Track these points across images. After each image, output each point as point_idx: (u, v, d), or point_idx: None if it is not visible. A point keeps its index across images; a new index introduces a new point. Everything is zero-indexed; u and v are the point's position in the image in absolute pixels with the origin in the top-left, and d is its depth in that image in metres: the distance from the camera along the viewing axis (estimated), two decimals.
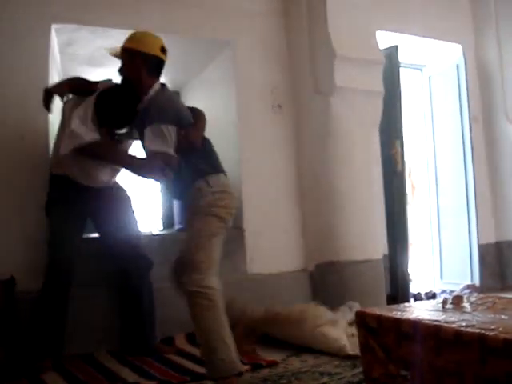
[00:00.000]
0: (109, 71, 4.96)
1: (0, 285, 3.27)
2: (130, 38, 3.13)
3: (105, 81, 3.43)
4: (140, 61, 3.03)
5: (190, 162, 2.93)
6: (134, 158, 3.12)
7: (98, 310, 3.67)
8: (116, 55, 3.19)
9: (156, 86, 3.04)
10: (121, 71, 3.18)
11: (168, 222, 5.14)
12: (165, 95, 3.05)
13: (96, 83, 3.42)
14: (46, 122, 3.85)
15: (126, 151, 3.45)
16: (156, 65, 3.10)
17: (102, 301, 3.73)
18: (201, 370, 3.12)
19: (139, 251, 3.60)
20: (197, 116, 3.14)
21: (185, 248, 2.86)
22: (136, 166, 3.00)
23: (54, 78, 4.25)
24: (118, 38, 4.30)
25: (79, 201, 3.40)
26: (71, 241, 3.40)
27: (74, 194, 3.38)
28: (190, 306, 2.80)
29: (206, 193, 2.89)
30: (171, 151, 2.83)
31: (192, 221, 2.90)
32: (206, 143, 3.10)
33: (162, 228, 5.20)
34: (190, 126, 3.00)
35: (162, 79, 4.95)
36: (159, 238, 4.35)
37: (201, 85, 5.33)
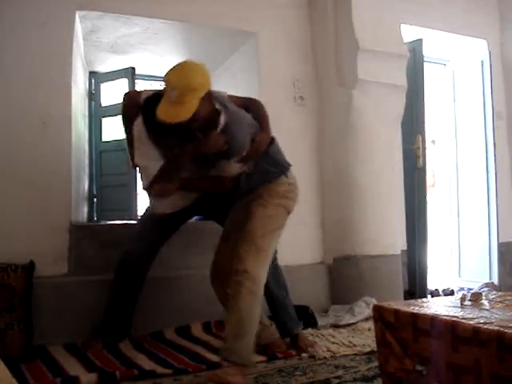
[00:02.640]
0: (132, 58, 5.00)
1: (20, 269, 3.30)
2: (193, 83, 2.61)
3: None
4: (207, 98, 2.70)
5: (267, 156, 2.94)
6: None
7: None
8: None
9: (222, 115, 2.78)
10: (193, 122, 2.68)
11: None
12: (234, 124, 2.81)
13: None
14: (68, 108, 3.87)
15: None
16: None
17: None
18: (217, 358, 3.14)
19: None
20: (257, 114, 3.01)
21: (249, 228, 2.84)
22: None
23: (78, 64, 4.28)
24: (141, 25, 4.36)
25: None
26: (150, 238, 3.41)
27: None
28: (237, 288, 2.75)
29: (283, 181, 2.96)
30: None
31: (264, 202, 2.91)
32: (274, 140, 3.07)
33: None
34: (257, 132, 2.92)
35: None
36: None
37: (224, 75, 5.32)
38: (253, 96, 4.56)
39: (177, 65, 2.69)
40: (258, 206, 2.90)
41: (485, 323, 1.94)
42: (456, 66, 5.95)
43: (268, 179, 2.94)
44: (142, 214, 3.64)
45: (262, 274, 2.81)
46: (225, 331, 2.82)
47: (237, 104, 2.95)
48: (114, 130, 5.14)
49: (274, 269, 3.32)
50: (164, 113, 2.55)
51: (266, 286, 3.30)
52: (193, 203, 3.16)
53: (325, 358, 3.15)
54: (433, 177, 6.66)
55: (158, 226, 3.31)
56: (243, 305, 2.73)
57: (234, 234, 3.04)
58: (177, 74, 2.63)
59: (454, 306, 2.31)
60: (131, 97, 3.04)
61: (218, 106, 2.76)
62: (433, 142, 6.57)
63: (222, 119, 2.74)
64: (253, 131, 2.88)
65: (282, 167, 3.00)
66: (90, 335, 3.42)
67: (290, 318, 3.43)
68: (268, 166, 2.93)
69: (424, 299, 3.05)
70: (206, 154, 2.80)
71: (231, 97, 3.02)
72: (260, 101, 3.12)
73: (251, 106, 3.02)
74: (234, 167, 2.87)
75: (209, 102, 2.68)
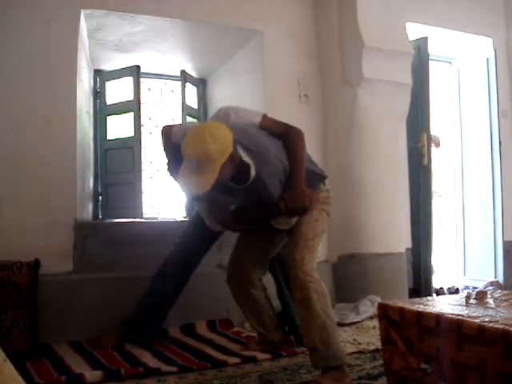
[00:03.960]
0: (136, 56, 5.00)
1: (25, 267, 3.31)
2: (216, 148, 2.48)
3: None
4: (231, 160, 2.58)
5: (306, 170, 2.88)
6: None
7: (118, 294, 3.70)
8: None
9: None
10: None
11: (192, 209, 5.14)
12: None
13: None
14: (73, 106, 3.87)
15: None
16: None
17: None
18: (221, 356, 3.15)
19: None
20: (291, 149, 2.79)
21: (300, 233, 2.85)
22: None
23: (83, 63, 4.28)
24: (146, 23, 4.36)
25: None
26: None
27: None
28: (306, 293, 2.72)
29: (322, 189, 2.99)
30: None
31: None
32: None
33: (185, 215, 5.21)
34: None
35: (188, 67, 4.99)
36: (182, 225, 4.36)
37: (228, 73, 5.32)
38: (258, 94, 4.58)
39: (193, 133, 2.57)
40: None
41: (490, 322, 1.94)
42: (461, 64, 5.94)
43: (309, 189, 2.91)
44: (190, 217, 3.71)
45: (317, 274, 2.83)
46: (309, 340, 2.72)
47: (273, 130, 2.83)
48: (118, 128, 5.15)
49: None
50: (184, 182, 2.54)
51: (280, 285, 3.33)
52: None
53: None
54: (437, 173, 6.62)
55: (204, 228, 3.35)
56: (319, 309, 2.72)
57: (263, 240, 3.17)
58: (193, 146, 2.51)
59: (459, 305, 2.31)
60: (165, 135, 2.95)
61: (245, 159, 2.63)
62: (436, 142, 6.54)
63: (253, 171, 2.65)
64: (281, 175, 2.75)
65: (320, 177, 3.01)
66: (115, 331, 3.43)
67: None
68: (307, 178, 2.86)
69: (429, 297, 3.06)
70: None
71: (266, 120, 2.86)
72: (300, 132, 2.85)
73: (287, 139, 2.82)
74: (284, 222, 2.87)
75: (232, 162, 2.56)
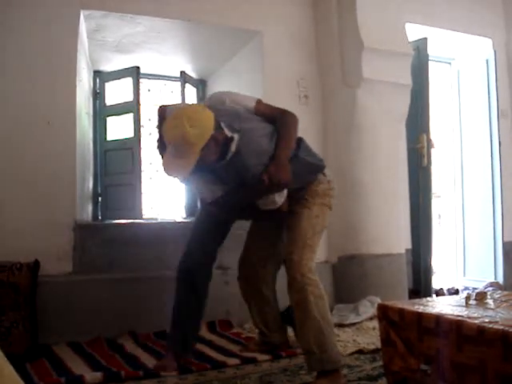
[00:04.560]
0: (136, 57, 5.00)
1: (25, 268, 3.31)
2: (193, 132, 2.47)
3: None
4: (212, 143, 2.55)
5: (301, 160, 2.83)
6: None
7: (117, 295, 3.71)
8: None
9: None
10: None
11: (192, 210, 5.14)
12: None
13: None
14: (73, 107, 3.87)
15: None
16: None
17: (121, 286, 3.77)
18: (221, 357, 3.15)
19: None
20: (281, 128, 2.73)
21: (299, 231, 2.82)
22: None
23: (82, 63, 4.28)
24: (145, 24, 4.36)
25: None
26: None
27: None
28: (304, 295, 2.70)
29: (321, 180, 2.94)
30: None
31: (308, 204, 2.89)
32: (301, 142, 2.91)
33: (185, 216, 5.21)
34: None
35: (187, 68, 4.99)
36: (183, 226, 4.37)
37: (228, 74, 5.32)
38: (257, 95, 4.57)
39: (171, 117, 2.57)
40: (303, 208, 2.88)
41: (490, 322, 1.94)
42: (461, 65, 5.94)
43: (306, 182, 2.91)
44: (194, 219, 3.44)
45: (316, 275, 2.80)
46: (305, 342, 2.71)
47: (267, 114, 2.79)
48: (118, 129, 5.15)
49: None
50: (166, 166, 2.54)
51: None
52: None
53: None
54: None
55: (210, 226, 3.19)
56: (316, 312, 2.69)
57: (273, 237, 3.16)
58: (171, 131, 2.52)
59: (458, 306, 2.31)
60: (160, 114, 2.97)
61: (228, 133, 2.61)
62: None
63: (233, 147, 2.62)
64: (265, 159, 2.65)
65: (317, 167, 2.95)
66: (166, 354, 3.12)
67: None
68: (303, 169, 2.84)
69: (429, 298, 3.06)
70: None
71: (261, 105, 2.82)
72: (294, 115, 2.80)
73: (280, 118, 2.77)
74: (271, 202, 2.75)
75: (215, 143, 2.54)
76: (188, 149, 2.46)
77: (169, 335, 3.18)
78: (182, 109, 2.65)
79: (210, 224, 3.16)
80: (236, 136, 2.62)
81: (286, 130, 2.72)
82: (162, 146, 2.77)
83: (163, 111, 2.92)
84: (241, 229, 3.32)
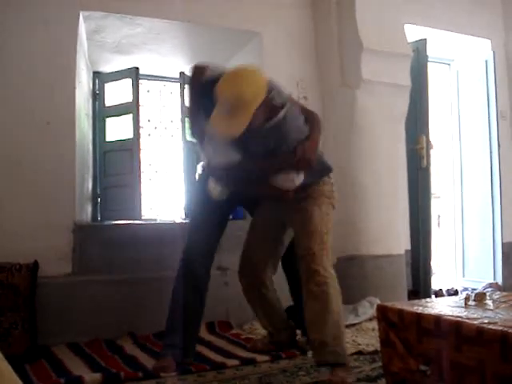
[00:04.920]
0: (135, 58, 5.00)
1: (24, 269, 3.31)
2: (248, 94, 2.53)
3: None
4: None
5: (317, 157, 2.89)
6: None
7: (117, 296, 3.71)
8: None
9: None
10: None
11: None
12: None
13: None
14: (72, 108, 3.88)
15: None
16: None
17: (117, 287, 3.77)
18: (220, 358, 3.15)
19: None
20: (312, 124, 2.86)
21: (314, 227, 2.87)
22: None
23: (82, 64, 4.28)
24: (145, 25, 4.36)
25: None
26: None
27: None
28: (324, 289, 2.77)
29: (326, 182, 3.01)
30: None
31: (317, 202, 2.94)
32: None
33: (184, 217, 5.21)
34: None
35: (187, 69, 4.98)
36: (182, 227, 4.37)
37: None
38: None
39: (229, 74, 2.61)
40: (313, 205, 2.92)
41: (489, 323, 1.94)
42: (460, 66, 5.95)
43: (315, 180, 2.94)
44: (189, 211, 3.41)
45: (334, 271, 2.88)
46: (321, 334, 2.74)
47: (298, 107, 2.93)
48: (117, 129, 5.14)
49: None
50: (217, 125, 2.57)
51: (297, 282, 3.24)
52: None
53: None
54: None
55: (209, 215, 3.14)
56: (335, 305, 2.76)
57: (273, 238, 3.16)
58: (229, 87, 2.55)
59: (458, 306, 2.31)
60: (197, 72, 2.92)
61: (278, 102, 2.69)
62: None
63: (282, 113, 2.69)
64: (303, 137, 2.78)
65: (328, 168, 3.04)
66: (161, 354, 3.08)
67: None
68: (317, 167, 2.89)
69: (428, 299, 3.06)
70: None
71: (293, 99, 2.97)
72: (318, 116, 2.97)
73: (309, 116, 2.89)
74: (290, 179, 2.79)
75: (265, 108, 2.61)
76: (243, 108, 2.51)
77: (168, 337, 3.10)
78: (239, 69, 2.71)
79: (207, 222, 3.15)
80: (288, 104, 2.72)
81: (317, 126, 2.87)
82: (194, 105, 2.88)
83: (203, 69, 2.89)
84: (240, 230, 3.32)
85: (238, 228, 3.30)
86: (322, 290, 2.76)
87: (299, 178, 2.78)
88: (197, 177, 4.27)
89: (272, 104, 2.64)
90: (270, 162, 2.79)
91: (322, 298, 2.76)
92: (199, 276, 3.11)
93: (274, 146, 2.71)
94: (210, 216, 3.15)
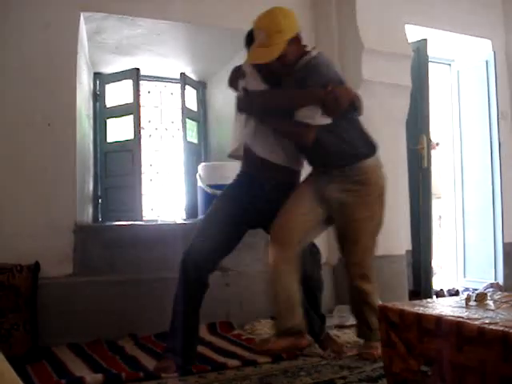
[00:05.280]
0: (136, 59, 5.00)
1: (25, 270, 3.31)
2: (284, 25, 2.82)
3: None
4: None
5: (356, 128, 2.98)
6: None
7: (118, 297, 3.71)
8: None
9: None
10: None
11: (191, 212, 5.15)
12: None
13: None
14: (73, 109, 3.88)
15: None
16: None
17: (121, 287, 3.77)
18: (221, 359, 3.15)
19: None
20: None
21: (363, 247, 3.13)
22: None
23: (82, 65, 4.29)
24: (145, 26, 4.36)
25: None
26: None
27: None
28: (367, 285, 3.13)
29: (372, 164, 3.04)
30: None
31: (368, 209, 3.03)
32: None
33: (185, 217, 5.22)
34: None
35: (187, 69, 4.98)
36: (183, 228, 4.37)
37: (227, 76, 5.31)
38: None
39: (265, 11, 2.85)
40: (365, 220, 3.04)
41: (490, 323, 1.93)
42: (461, 66, 5.95)
43: (355, 159, 2.96)
44: (206, 211, 3.24)
45: None
46: (373, 323, 3.01)
47: None
48: (118, 130, 5.15)
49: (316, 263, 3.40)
50: (251, 55, 2.82)
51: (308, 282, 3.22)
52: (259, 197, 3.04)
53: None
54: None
55: (224, 221, 3.01)
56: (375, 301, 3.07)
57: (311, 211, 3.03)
58: (263, 17, 2.82)
59: (459, 307, 2.31)
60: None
61: (312, 52, 2.89)
62: (437, 143, 6.54)
63: (313, 53, 2.88)
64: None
65: (371, 146, 3.04)
66: (163, 355, 3.05)
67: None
68: (356, 140, 2.95)
69: (429, 299, 3.06)
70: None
71: None
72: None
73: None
74: (312, 114, 2.80)
75: (298, 46, 2.83)
76: (277, 36, 2.75)
77: (169, 340, 3.06)
78: (275, 6, 2.91)
79: (225, 225, 3.00)
80: (317, 52, 2.91)
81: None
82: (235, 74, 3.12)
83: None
84: None
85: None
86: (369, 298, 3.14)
87: (322, 118, 2.80)
88: (198, 177, 4.27)
89: (303, 46, 2.87)
90: (297, 91, 2.87)
91: (370, 303, 3.11)
92: (194, 280, 2.98)
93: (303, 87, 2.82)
94: (226, 219, 3.02)
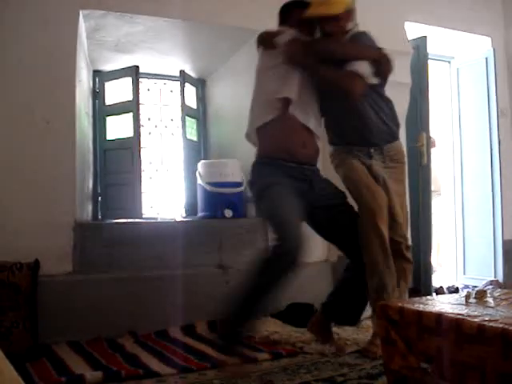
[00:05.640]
0: (135, 57, 4.99)
1: (25, 268, 3.31)
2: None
3: None
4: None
5: (391, 109, 3.15)
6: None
7: (118, 294, 3.71)
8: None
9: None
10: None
11: (191, 209, 5.15)
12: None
13: None
14: (72, 107, 3.87)
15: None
16: None
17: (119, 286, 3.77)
18: (221, 357, 3.14)
19: None
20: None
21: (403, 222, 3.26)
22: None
23: (82, 63, 4.28)
24: (144, 24, 4.35)
25: None
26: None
27: None
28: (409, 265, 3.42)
29: (399, 145, 3.30)
30: None
31: (403, 189, 3.28)
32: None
33: (184, 215, 5.22)
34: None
35: (187, 67, 4.98)
36: (182, 225, 4.37)
37: (227, 73, 5.32)
38: None
39: None
40: (404, 195, 3.32)
41: (490, 321, 1.94)
42: (460, 63, 5.94)
43: (391, 138, 3.14)
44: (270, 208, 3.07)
45: None
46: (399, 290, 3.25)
47: None
48: (118, 128, 5.15)
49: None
50: (315, 8, 3.00)
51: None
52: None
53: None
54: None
55: (295, 205, 3.00)
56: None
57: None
58: None
59: (458, 304, 2.31)
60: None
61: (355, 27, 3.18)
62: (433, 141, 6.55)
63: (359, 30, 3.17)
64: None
65: (399, 127, 3.24)
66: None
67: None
68: (391, 120, 3.12)
69: (429, 297, 3.07)
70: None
71: None
72: None
73: None
74: (365, 67, 3.02)
75: (351, 18, 3.12)
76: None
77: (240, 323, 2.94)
78: None
79: (293, 202, 2.99)
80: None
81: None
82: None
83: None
84: (240, 228, 3.32)
85: (239, 226, 3.30)
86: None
87: (371, 78, 3.00)
88: (198, 175, 4.25)
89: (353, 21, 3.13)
90: (361, 44, 3.14)
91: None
92: (296, 266, 2.84)
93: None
94: (293, 201, 3.00)
